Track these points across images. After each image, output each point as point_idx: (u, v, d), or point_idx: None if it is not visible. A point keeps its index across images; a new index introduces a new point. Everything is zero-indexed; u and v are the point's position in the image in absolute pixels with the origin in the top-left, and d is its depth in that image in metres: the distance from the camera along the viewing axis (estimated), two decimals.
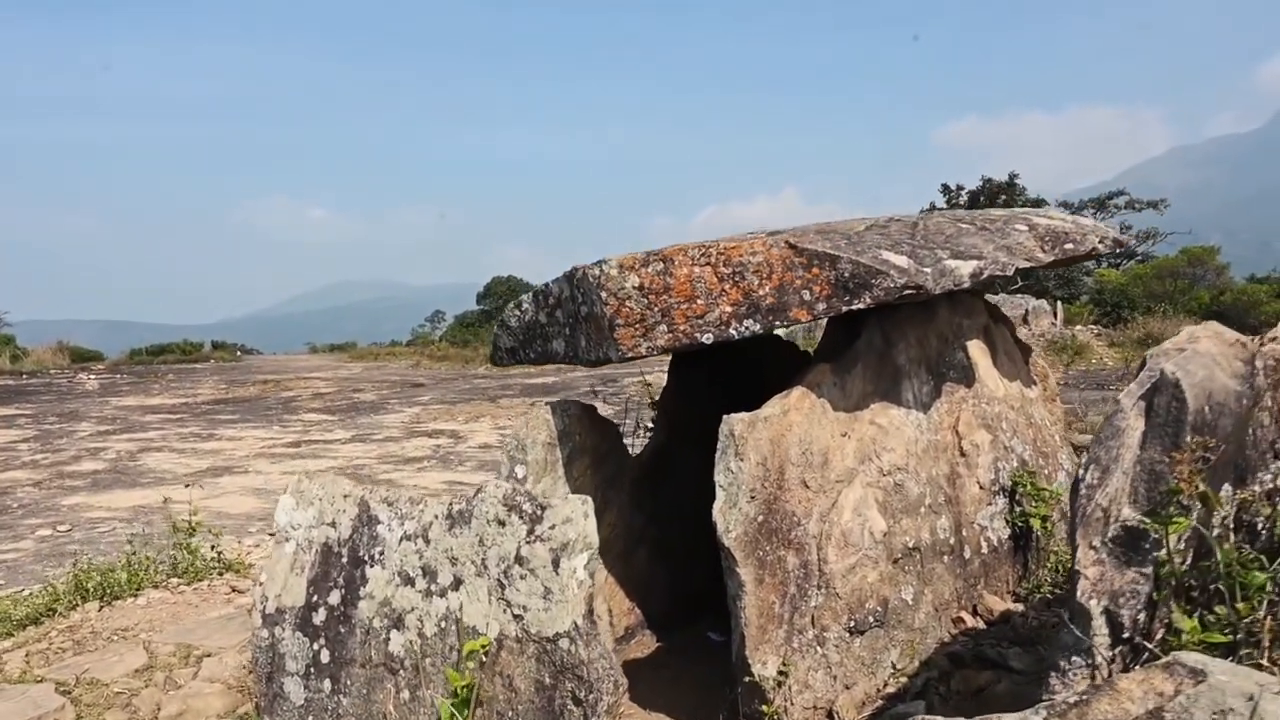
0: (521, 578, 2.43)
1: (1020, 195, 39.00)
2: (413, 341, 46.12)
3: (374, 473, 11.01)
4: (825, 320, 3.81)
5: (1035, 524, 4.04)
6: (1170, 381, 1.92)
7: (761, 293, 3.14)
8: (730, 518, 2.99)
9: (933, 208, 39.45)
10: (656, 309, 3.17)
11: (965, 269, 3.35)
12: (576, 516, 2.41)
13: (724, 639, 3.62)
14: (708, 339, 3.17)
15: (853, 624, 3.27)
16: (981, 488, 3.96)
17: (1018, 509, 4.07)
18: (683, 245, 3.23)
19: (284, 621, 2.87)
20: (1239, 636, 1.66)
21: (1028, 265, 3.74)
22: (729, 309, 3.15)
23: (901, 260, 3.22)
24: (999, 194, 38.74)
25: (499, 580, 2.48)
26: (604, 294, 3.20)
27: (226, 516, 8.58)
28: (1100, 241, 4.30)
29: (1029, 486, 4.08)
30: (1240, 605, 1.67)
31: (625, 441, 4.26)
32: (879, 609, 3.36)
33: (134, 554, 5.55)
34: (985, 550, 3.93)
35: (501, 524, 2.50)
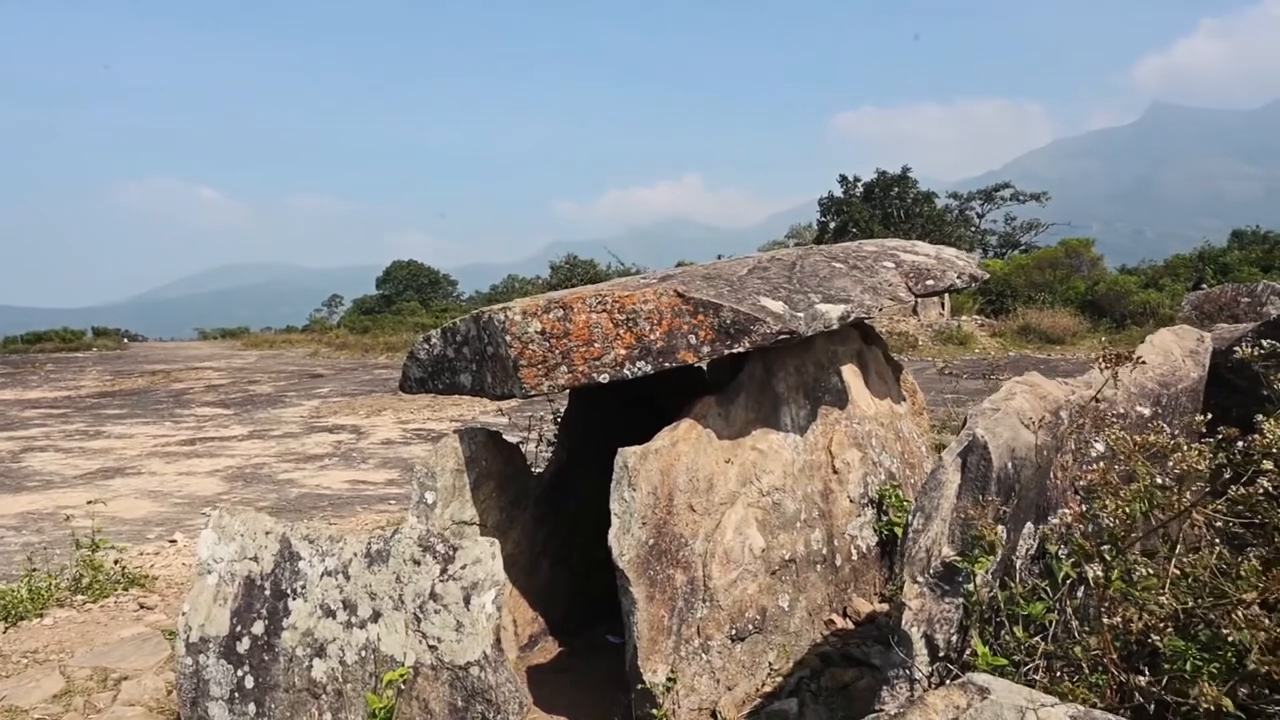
0: (436, 612, 2.71)
1: (912, 187, 40.72)
2: (309, 327, 44.90)
3: (274, 472, 10.94)
4: None
5: (900, 531, 4.51)
6: (980, 443, 2.33)
7: (652, 337, 3.48)
8: (624, 542, 3.32)
9: (831, 196, 40.78)
10: (557, 351, 3.47)
11: (834, 312, 3.76)
12: (485, 557, 2.70)
13: (622, 641, 3.96)
14: (604, 378, 3.49)
15: (734, 632, 3.65)
16: (852, 501, 4.40)
17: (884, 518, 4.53)
18: (581, 293, 3.53)
19: (208, 650, 3.07)
20: (1020, 658, 2.08)
21: (891, 305, 4.19)
22: (623, 352, 3.48)
23: (777, 306, 3.60)
24: (892, 186, 40.38)
25: (415, 614, 2.75)
26: (509, 337, 3.49)
27: (122, 522, 8.44)
28: (959, 277, 4.80)
29: (894, 498, 4.56)
30: (1019, 632, 2.10)
31: (530, 448, 4.52)
32: (758, 617, 3.76)
33: (35, 571, 5.54)
34: (855, 558, 4.38)
35: (417, 563, 2.77)
